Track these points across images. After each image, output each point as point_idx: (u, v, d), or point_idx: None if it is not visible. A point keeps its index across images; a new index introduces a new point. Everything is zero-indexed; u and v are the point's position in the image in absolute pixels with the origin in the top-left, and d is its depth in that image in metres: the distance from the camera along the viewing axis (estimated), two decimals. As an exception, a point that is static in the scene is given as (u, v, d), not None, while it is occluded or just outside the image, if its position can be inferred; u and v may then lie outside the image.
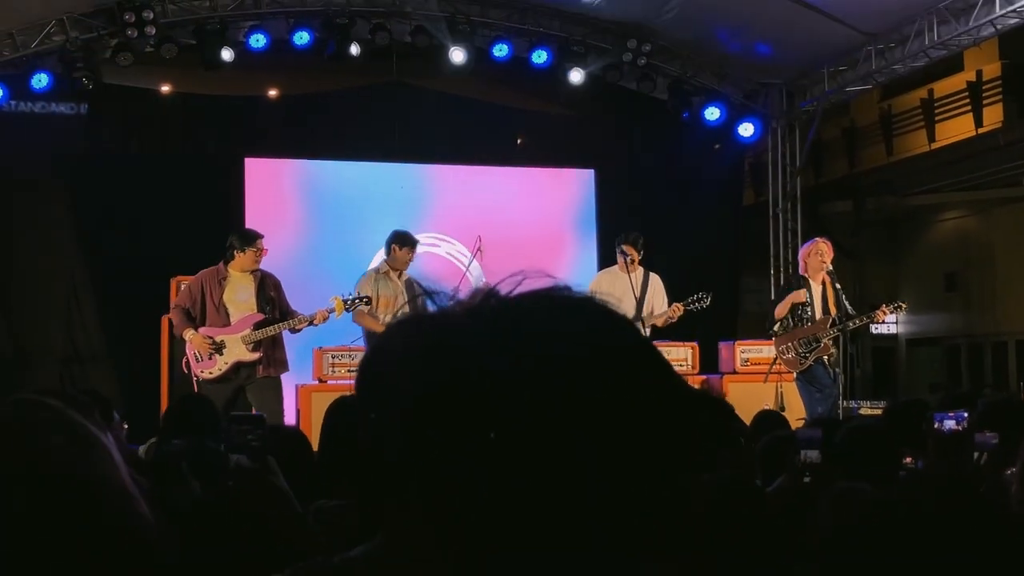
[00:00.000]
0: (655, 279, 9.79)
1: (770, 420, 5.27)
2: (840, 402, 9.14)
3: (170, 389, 9.74)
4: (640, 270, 9.74)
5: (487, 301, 1.00)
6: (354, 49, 11.71)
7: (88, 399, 1.91)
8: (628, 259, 9.62)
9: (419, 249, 9.73)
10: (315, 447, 4.01)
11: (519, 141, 13.76)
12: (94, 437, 0.95)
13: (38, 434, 0.93)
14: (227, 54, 11.48)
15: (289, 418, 9.35)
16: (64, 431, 0.94)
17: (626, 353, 0.98)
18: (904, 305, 9.81)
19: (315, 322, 8.61)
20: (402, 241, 9.47)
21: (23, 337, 11.65)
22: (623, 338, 0.99)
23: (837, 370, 9.11)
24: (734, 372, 11.00)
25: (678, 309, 9.47)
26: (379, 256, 10.09)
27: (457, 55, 12.00)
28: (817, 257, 9.21)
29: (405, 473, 0.98)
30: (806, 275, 9.27)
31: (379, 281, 9.39)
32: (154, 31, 11.11)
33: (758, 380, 10.20)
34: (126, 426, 4.86)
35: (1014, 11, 10.46)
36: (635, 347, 0.99)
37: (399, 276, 9.42)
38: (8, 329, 11.62)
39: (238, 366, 8.51)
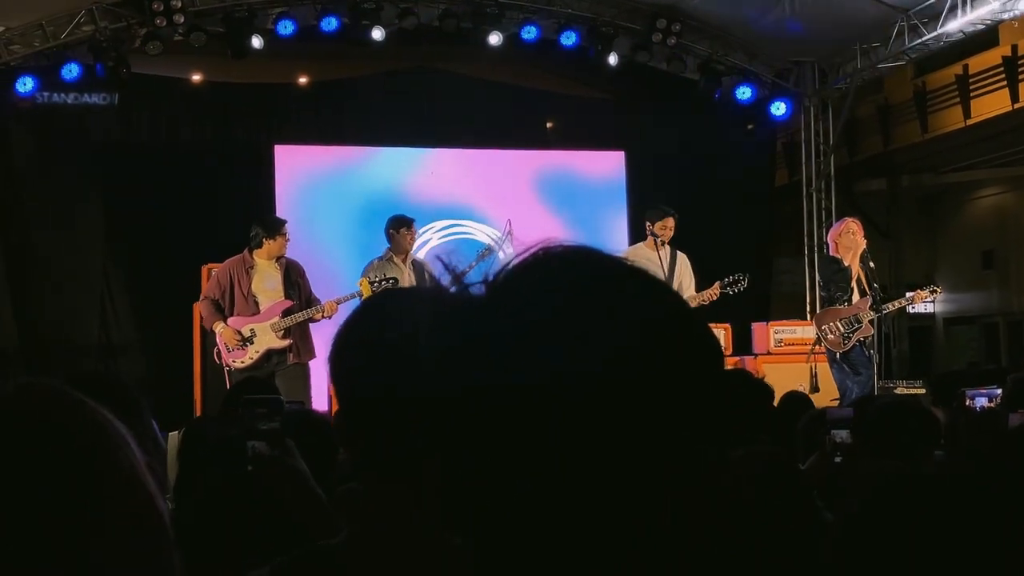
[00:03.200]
0: (683, 258, 9.60)
1: (797, 402, 5.22)
2: (875, 382, 9.02)
3: (203, 376, 9.78)
4: (668, 248, 9.53)
5: (503, 268, 0.92)
6: (381, 34, 11.67)
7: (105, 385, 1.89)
8: (659, 240, 9.43)
9: (442, 235, 9.66)
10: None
11: (549, 125, 13.70)
12: (107, 425, 0.92)
13: (52, 421, 0.89)
14: (256, 42, 11.50)
15: (323, 403, 9.37)
16: (77, 418, 0.91)
17: (664, 323, 0.90)
18: (939, 289, 9.82)
19: (326, 314, 8.59)
20: (399, 224, 9.35)
21: (57, 327, 11.72)
22: (660, 303, 0.91)
23: (872, 351, 9.00)
24: (768, 353, 10.94)
25: (715, 292, 9.31)
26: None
27: (486, 38, 11.95)
28: (849, 236, 9.07)
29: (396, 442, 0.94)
30: (837, 255, 9.14)
31: (384, 268, 9.23)
32: (183, 20, 11.16)
33: (792, 361, 10.14)
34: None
35: (1050, -17, 10.32)
36: (676, 316, 0.91)
37: (404, 260, 9.28)
38: (43, 319, 11.70)
39: (269, 353, 8.53)
